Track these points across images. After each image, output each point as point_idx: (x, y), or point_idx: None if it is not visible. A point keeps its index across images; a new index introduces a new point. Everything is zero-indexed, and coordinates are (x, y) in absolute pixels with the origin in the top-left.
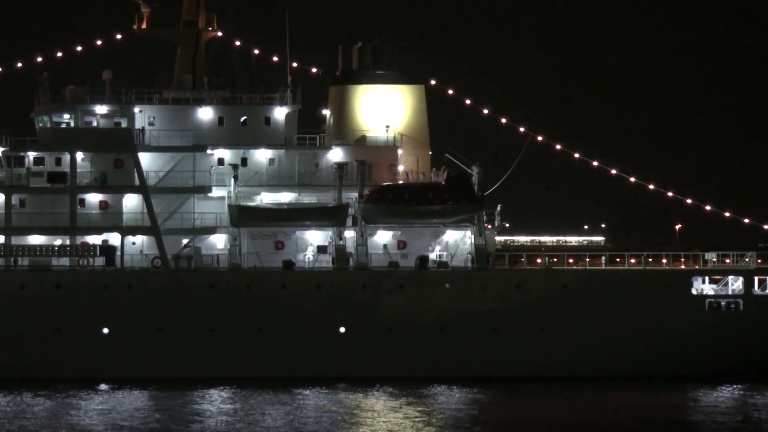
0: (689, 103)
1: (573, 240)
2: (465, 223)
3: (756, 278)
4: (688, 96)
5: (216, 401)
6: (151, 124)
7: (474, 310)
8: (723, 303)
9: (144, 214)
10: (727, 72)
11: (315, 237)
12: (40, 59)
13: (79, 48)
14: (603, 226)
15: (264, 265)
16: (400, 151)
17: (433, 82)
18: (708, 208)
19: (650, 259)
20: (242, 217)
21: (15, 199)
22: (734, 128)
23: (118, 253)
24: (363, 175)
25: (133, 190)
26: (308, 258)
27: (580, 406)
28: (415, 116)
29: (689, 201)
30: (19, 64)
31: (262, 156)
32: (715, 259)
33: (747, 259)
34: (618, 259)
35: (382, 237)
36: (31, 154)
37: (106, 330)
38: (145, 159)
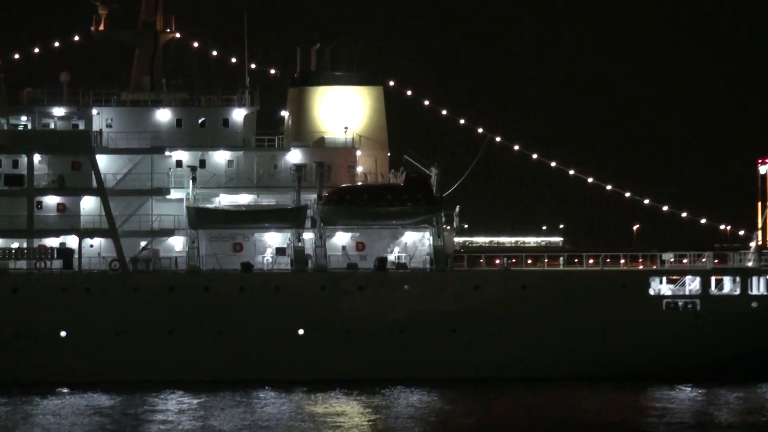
0: (646, 104)
1: (531, 241)
2: (424, 224)
3: (713, 278)
4: (645, 96)
5: (174, 404)
6: (108, 126)
7: (433, 311)
8: (680, 303)
9: (102, 217)
10: (684, 73)
11: (274, 239)
12: None
13: (36, 50)
14: (561, 226)
15: (222, 268)
16: (358, 153)
17: (391, 83)
18: (665, 208)
19: (608, 260)
20: (200, 219)
21: None
22: (691, 130)
23: (76, 255)
24: (322, 176)
25: (91, 192)
26: (267, 260)
27: (537, 406)
28: (374, 118)
29: (647, 201)
30: None
31: (220, 158)
32: (672, 260)
33: (704, 260)
34: (576, 260)
35: (341, 239)
36: None
37: (63, 333)
38: (103, 161)
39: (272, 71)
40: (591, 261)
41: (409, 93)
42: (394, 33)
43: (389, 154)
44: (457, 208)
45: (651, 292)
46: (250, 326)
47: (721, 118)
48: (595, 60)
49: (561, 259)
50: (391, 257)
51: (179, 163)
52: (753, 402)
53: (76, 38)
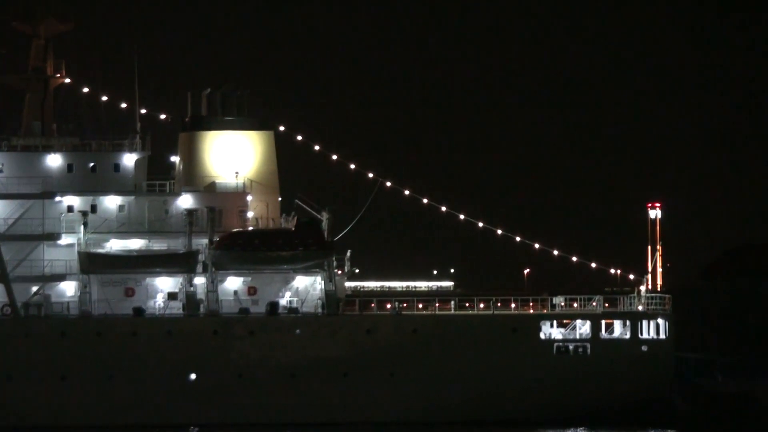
0: (535, 148)
1: (422, 285)
2: (315, 268)
3: (603, 322)
4: (534, 141)
5: None
6: None
7: (325, 355)
8: (571, 347)
9: None
10: (573, 117)
11: (165, 283)
12: None
13: None
14: (452, 271)
15: (114, 312)
16: (249, 197)
17: (281, 128)
18: (555, 252)
19: (499, 304)
20: (92, 264)
21: None
22: (580, 173)
23: None
24: (213, 221)
25: None
26: (159, 305)
27: None
28: (265, 162)
29: (537, 246)
30: None
31: (111, 203)
32: (563, 304)
33: (594, 303)
34: (467, 304)
35: (233, 283)
36: None
37: None
38: None
39: (162, 116)
40: (482, 305)
41: (299, 138)
42: (284, 79)
43: (280, 199)
44: (349, 253)
45: (542, 335)
46: (143, 371)
47: (611, 162)
48: (482, 103)
49: (452, 303)
50: (283, 302)
51: (70, 208)
52: None
53: None
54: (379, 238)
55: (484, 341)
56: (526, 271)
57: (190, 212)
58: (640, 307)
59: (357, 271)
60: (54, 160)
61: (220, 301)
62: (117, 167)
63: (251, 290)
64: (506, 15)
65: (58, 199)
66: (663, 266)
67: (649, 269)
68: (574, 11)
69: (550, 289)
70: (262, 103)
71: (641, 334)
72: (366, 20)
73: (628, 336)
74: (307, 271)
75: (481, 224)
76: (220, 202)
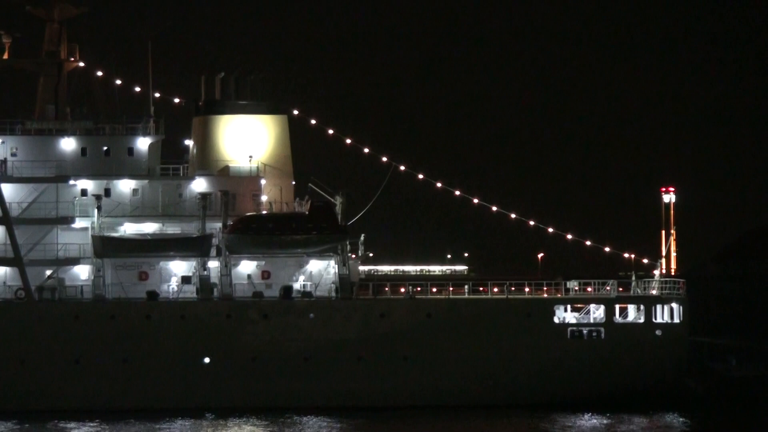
0: (550, 132)
1: (436, 269)
2: (329, 252)
3: (617, 306)
4: (549, 125)
5: None
6: (13, 154)
7: (338, 339)
8: (585, 331)
9: (7, 245)
10: (590, 102)
11: (179, 267)
12: None
13: None
14: (466, 255)
15: (128, 296)
16: (263, 181)
17: (295, 111)
18: (569, 237)
19: (513, 288)
20: (106, 247)
21: None
22: (595, 158)
23: None
24: (226, 205)
25: None
26: (172, 288)
27: None
28: (279, 146)
29: (551, 230)
30: None
31: (125, 186)
32: (577, 288)
33: (608, 288)
34: (481, 288)
35: (247, 267)
36: None
37: None
38: (8, 190)
39: (176, 100)
40: (496, 289)
41: (313, 122)
42: (298, 63)
43: (294, 183)
44: (362, 237)
45: (556, 320)
46: (156, 354)
47: (626, 146)
48: (500, 88)
49: (466, 287)
50: (297, 285)
51: (84, 192)
52: (656, 430)
53: None
54: (393, 222)
55: (497, 325)
56: (540, 255)
57: (203, 196)
58: (654, 292)
59: (371, 255)
60: (68, 144)
61: (233, 285)
62: (131, 151)
63: (265, 274)
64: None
65: (72, 182)
66: (677, 250)
67: (663, 253)
68: None
69: (564, 274)
70: (275, 86)
71: (655, 319)
72: (381, 6)
73: (642, 320)
74: (320, 255)
75: (495, 208)
76: (233, 186)
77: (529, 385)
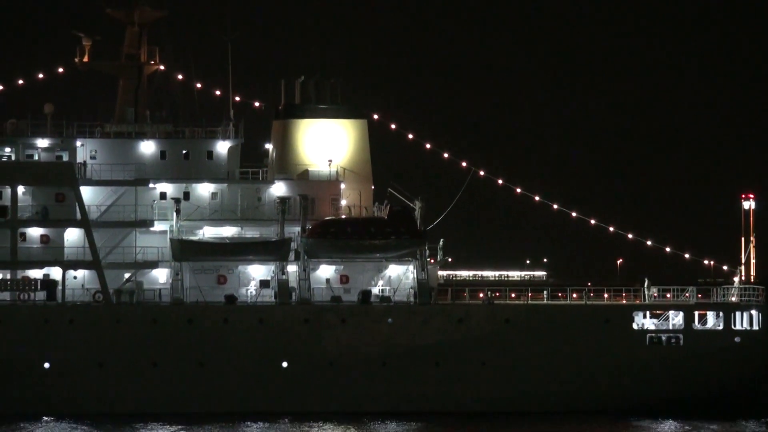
0: (631, 139)
1: (515, 275)
2: (407, 257)
3: (696, 313)
4: (630, 132)
5: None
6: (92, 157)
7: (416, 344)
8: (664, 338)
9: (85, 248)
10: (669, 109)
11: (257, 271)
12: None
13: (20, 81)
14: (545, 260)
15: (206, 300)
16: (342, 186)
17: (375, 116)
18: (649, 243)
19: (592, 294)
20: (184, 251)
21: None
22: (675, 164)
23: (60, 287)
24: (306, 209)
25: (75, 224)
26: (251, 292)
27: None
28: (358, 151)
29: (630, 236)
30: None
31: (204, 190)
32: (656, 294)
33: (687, 294)
34: (560, 294)
35: (325, 271)
36: None
37: (47, 365)
38: (87, 193)
39: (256, 104)
40: (575, 295)
41: (393, 126)
42: (378, 68)
43: (373, 188)
44: (441, 242)
45: (635, 326)
46: (234, 359)
47: (706, 152)
48: (580, 95)
49: (545, 293)
50: (375, 290)
51: (163, 195)
52: None
53: (60, 70)
54: (472, 227)
55: (576, 331)
56: (620, 261)
57: (282, 200)
58: (733, 298)
59: (450, 260)
60: (147, 147)
61: (312, 289)
62: (210, 154)
63: (343, 278)
64: None
65: (151, 186)
66: (757, 257)
67: (743, 260)
68: None
69: (643, 280)
70: (356, 91)
71: (734, 326)
72: (462, 9)
73: (721, 327)
74: (399, 259)
75: (574, 214)
76: (313, 190)
77: (608, 391)
